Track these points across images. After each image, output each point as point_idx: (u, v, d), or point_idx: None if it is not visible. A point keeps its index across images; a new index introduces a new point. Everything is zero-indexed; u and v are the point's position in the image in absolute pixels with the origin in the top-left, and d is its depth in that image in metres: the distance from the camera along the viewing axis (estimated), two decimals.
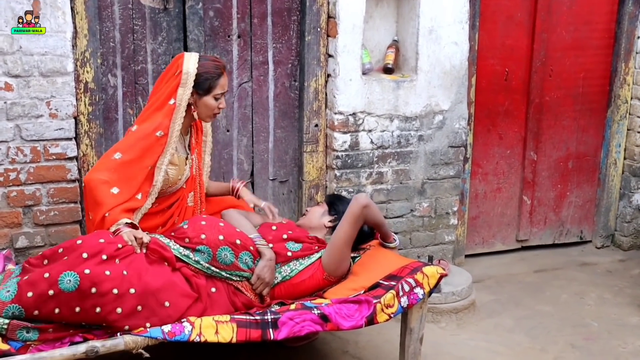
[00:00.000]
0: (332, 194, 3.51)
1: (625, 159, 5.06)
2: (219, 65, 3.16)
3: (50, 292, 2.61)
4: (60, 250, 2.78)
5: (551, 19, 4.63)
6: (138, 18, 3.76)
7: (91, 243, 2.75)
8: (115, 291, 2.68)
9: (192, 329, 2.71)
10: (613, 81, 4.90)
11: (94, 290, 2.64)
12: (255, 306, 3.03)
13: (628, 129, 5.01)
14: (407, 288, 3.01)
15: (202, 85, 3.12)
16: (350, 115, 4.08)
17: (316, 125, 4.16)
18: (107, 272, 2.69)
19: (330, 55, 4.07)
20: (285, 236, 3.21)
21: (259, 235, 3.15)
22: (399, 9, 4.25)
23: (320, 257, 3.17)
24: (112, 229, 2.88)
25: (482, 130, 4.66)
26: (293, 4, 4.05)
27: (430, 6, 4.09)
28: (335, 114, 4.06)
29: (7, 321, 2.62)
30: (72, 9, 3.49)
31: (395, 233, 3.53)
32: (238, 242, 3.02)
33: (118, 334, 2.69)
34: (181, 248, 2.97)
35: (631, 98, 4.95)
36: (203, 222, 3.06)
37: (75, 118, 3.58)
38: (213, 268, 2.96)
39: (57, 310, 2.63)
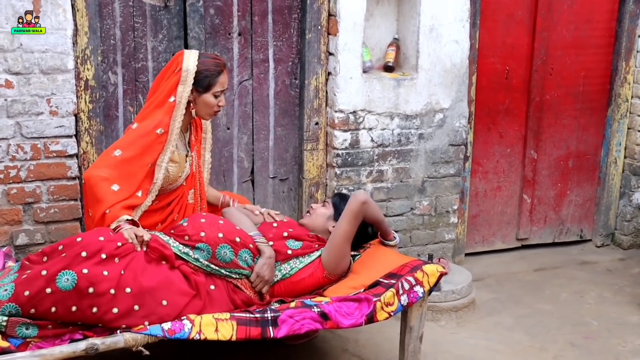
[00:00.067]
0: (339, 195, 3.43)
1: (625, 157, 5.06)
2: (219, 63, 3.16)
3: (48, 290, 2.61)
4: (60, 247, 2.78)
5: (552, 17, 4.63)
6: (139, 15, 3.76)
7: (91, 241, 2.75)
8: (112, 291, 2.68)
9: (192, 327, 2.71)
10: (613, 80, 4.90)
11: (91, 290, 2.64)
12: (255, 304, 3.03)
13: (628, 128, 5.01)
14: (407, 286, 3.01)
15: (202, 83, 3.12)
16: (350, 113, 4.08)
17: (316, 123, 4.16)
18: (105, 273, 2.68)
19: (330, 53, 4.07)
20: (285, 234, 3.20)
21: (259, 233, 3.15)
22: (399, 7, 4.25)
23: (320, 255, 3.17)
24: (113, 225, 2.88)
25: (483, 129, 4.66)
26: (294, 2, 4.05)
27: (431, 4, 4.09)
28: (336, 112, 4.06)
29: (5, 318, 2.62)
30: (72, 6, 3.49)
31: (396, 231, 3.53)
32: (237, 239, 3.02)
33: (118, 331, 2.68)
34: (181, 245, 2.96)
35: (632, 97, 4.95)
36: (203, 220, 3.06)
37: (75, 115, 3.58)
38: (212, 266, 2.96)
39: (53, 309, 2.63)
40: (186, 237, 2.98)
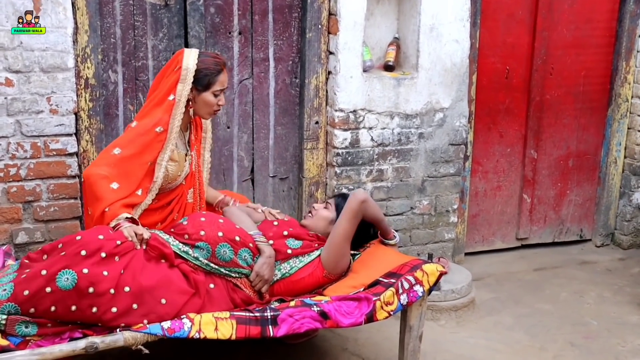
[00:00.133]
0: (341, 195, 3.41)
1: (625, 157, 5.06)
2: (219, 62, 3.15)
3: (48, 289, 2.61)
4: (60, 245, 2.78)
5: (552, 17, 4.63)
6: (139, 14, 3.75)
7: (90, 239, 2.74)
8: (112, 291, 2.68)
9: (191, 326, 2.71)
10: (614, 80, 4.90)
11: (91, 290, 2.64)
12: (254, 303, 3.03)
13: (628, 128, 5.01)
14: (406, 286, 3.01)
15: (202, 81, 3.11)
16: (350, 112, 4.08)
17: (317, 123, 4.16)
18: (105, 273, 2.68)
19: (331, 53, 4.07)
20: (285, 233, 3.20)
21: (259, 232, 3.14)
22: (400, 6, 4.25)
23: (320, 254, 3.17)
24: (112, 224, 2.87)
25: (483, 128, 4.65)
26: (294, 1, 4.05)
27: (432, 4, 4.09)
28: (336, 111, 4.06)
29: (4, 316, 2.61)
30: (72, 4, 3.49)
31: (396, 231, 3.53)
32: (237, 238, 3.01)
33: (117, 330, 2.68)
34: (180, 244, 2.96)
35: (632, 97, 4.95)
36: (202, 219, 3.05)
37: (75, 114, 3.58)
38: (212, 264, 2.96)
39: (53, 308, 2.63)
40: (186, 236, 2.98)
